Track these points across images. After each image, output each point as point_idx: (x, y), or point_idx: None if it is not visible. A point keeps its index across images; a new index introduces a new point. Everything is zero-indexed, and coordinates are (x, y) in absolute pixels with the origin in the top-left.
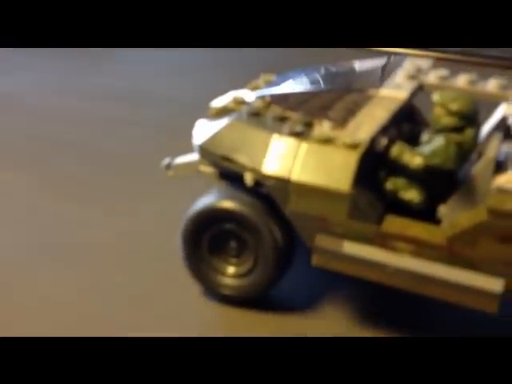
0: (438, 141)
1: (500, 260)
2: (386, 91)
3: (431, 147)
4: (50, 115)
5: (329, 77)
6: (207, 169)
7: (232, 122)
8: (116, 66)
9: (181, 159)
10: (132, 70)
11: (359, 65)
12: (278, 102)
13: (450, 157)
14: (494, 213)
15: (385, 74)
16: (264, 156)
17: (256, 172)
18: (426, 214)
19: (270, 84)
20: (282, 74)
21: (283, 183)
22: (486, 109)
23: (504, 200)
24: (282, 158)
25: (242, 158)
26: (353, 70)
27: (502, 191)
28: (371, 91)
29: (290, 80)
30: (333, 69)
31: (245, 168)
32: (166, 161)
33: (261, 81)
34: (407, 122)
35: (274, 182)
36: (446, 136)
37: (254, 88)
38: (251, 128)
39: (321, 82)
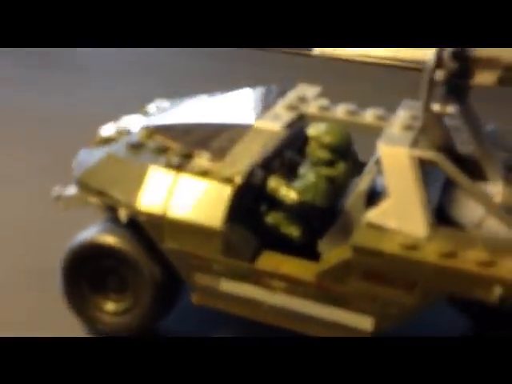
0: (310, 176)
1: (368, 297)
2: (263, 123)
3: (303, 182)
4: None
5: (217, 106)
6: (95, 200)
7: (109, 154)
8: None
9: (71, 189)
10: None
11: (244, 94)
12: (162, 132)
13: (321, 193)
14: (359, 250)
15: (267, 104)
16: (138, 190)
17: (130, 207)
18: (309, 249)
19: (161, 110)
20: (176, 99)
21: (157, 219)
22: (365, 139)
23: (369, 236)
24: (156, 192)
25: (116, 193)
26: (239, 100)
27: (370, 226)
28: (250, 123)
29: (181, 107)
30: (221, 97)
31: (119, 203)
32: (56, 192)
33: (153, 106)
34: (297, 153)
35: (148, 218)
36: (317, 171)
37: (146, 114)
38: (127, 160)
39: (209, 111)
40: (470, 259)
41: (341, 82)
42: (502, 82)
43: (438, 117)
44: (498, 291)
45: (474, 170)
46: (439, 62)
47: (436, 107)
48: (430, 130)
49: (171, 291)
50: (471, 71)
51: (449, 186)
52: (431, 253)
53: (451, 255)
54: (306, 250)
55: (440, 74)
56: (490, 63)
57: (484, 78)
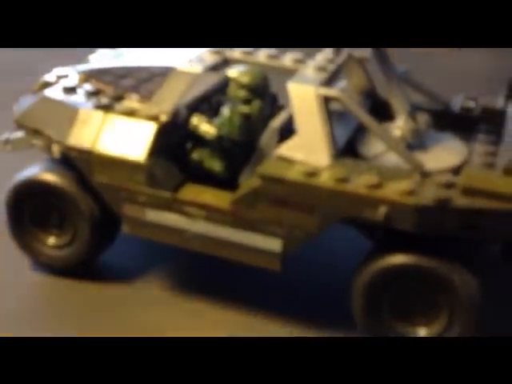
0: (225, 112)
1: (276, 221)
2: (185, 66)
3: (220, 119)
4: None
5: (156, 55)
6: (38, 141)
7: (43, 96)
8: None
9: (19, 133)
10: None
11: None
12: (97, 77)
13: (235, 127)
14: (265, 178)
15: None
16: (70, 129)
17: (61, 144)
18: (233, 183)
19: (102, 57)
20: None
21: (86, 155)
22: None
23: (275, 166)
24: (86, 130)
25: (50, 131)
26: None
27: (280, 158)
28: (177, 67)
29: (122, 55)
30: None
31: (51, 140)
32: (4, 136)
33: (96, 55)
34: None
35: (78, 153)
36: (232, 108)
37: (87, 61)
38: (61, 102)
39: (147, 58)
40: (361, 183)
41: None
42: None
43: (359, 63)
44: (383, 210)
45: (388, 110)
46: None
47: (348, 54)
48: (352, 75)
49: (108, 225)
50: None
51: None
52: (327, 179)
53: (344, 180)
54: (230, 183)
55: None
56: None
57: None
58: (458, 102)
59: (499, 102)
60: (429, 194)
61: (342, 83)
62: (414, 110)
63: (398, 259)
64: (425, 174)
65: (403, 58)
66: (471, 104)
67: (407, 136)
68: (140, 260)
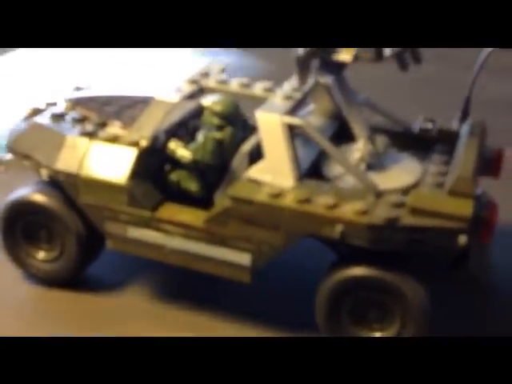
0: (199, 138)
1: (245, 238)
2: (163, 95)
3: (194, 145)
4: None
5: (138, 82)
6: (28, 163)
7: (33, 123)
8: None
9: (10, 155)
10: None
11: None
12: (83, 104)
13: (208, 152)
14: (234, 199)
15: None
16: (58, 154)
17: (49, 168)
18: (208, 202)
19: (89, 86)
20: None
21: (72, 178)
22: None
23: (244, 188)
24: (72, 155)
25: (39, 156)
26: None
27: (249, 180)
28: (156, 96)
29: (107, 84)
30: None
31: (40, 165)
32: None
33: (83, 83)
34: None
35: (65, 177)
36: (206, 134)
37: (76, 89)
38: (49, 129)
39: (129, 86)
40: (320, 204)
41: None
42: (355, 59)
43: (326, 88)
44: (339, 228)
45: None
46: None
47: (315, 80)
48: (318, 100)
49: (93, 241)
50: (331, 50)
51: None
52: (291, 200)
53: (306, 201)
54: (205, 202)
55: (303, 52)
56: None
57: (342, 56)
58: (417, 124)
59: (454, 124)
60: (380, 214)
61: (311, 107)
62: (373, 133)
63: (356, 271)
64: (379, 194)
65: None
66: (429, 125)
67: (366, 157)
68: (121, 271)
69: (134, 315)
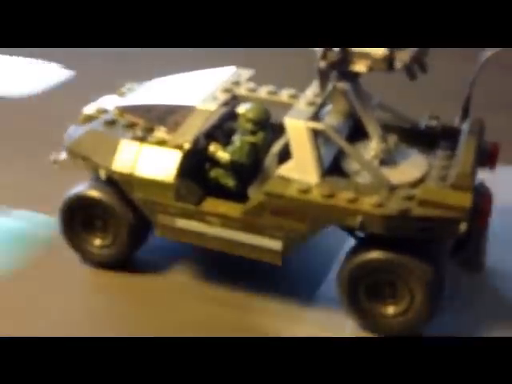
0: (236, 142)
1: (277, 227)
2: (204, 104)
3: (232, 147)
4: None
5: (175, 88)
6: (81, 163)
7: (90, 129)
8: None
9: (63, 154)
10: None
11: (200, 76)
12: (130, 111)
13: (244, 154)
14: (268, 195)
15: (209, 87)
16: (113, 156)
17: (107, 169)
18: (243, 195)
19: (131, 92)
20: (143, 82)
21: (127, 177)
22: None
23: (276, 185)
24: (126, 157)
25: (97, 158)
26: (193, 82)
27: (280, 177)
28: (195, 104)
29: (147, 89)
30: (181, 79)
31: (99, 166)
32: (53, 156)
33: (125, 89)
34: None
35: (120, 176)
36: (241, 138)
37: (120, 94)
38: (104, 134)
39: (168, 92)
40: (342, 198)
41: None
42: (370, 69)
43: (342, 93)
44: (359, 219)
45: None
46: (324, 56)
47: (333, 86)
48: (336, 103)
49: (141, 230)
50: (348, 61)
51: None
52: (317, 194)
53: (329, 196)
54: (241, 196)
55: (323, 64)
56: (361, 56)
57: (358, 67)
58: (422, 121)
59: (456, 121)
60: (394, 206)
61: (329, 107)
62: (385, 132)
63: (373, 255)
64: (391, 188)
65: None
66: (434, 122)
67: (379, 154)
68: (166, 255)
69: (178, 292)
